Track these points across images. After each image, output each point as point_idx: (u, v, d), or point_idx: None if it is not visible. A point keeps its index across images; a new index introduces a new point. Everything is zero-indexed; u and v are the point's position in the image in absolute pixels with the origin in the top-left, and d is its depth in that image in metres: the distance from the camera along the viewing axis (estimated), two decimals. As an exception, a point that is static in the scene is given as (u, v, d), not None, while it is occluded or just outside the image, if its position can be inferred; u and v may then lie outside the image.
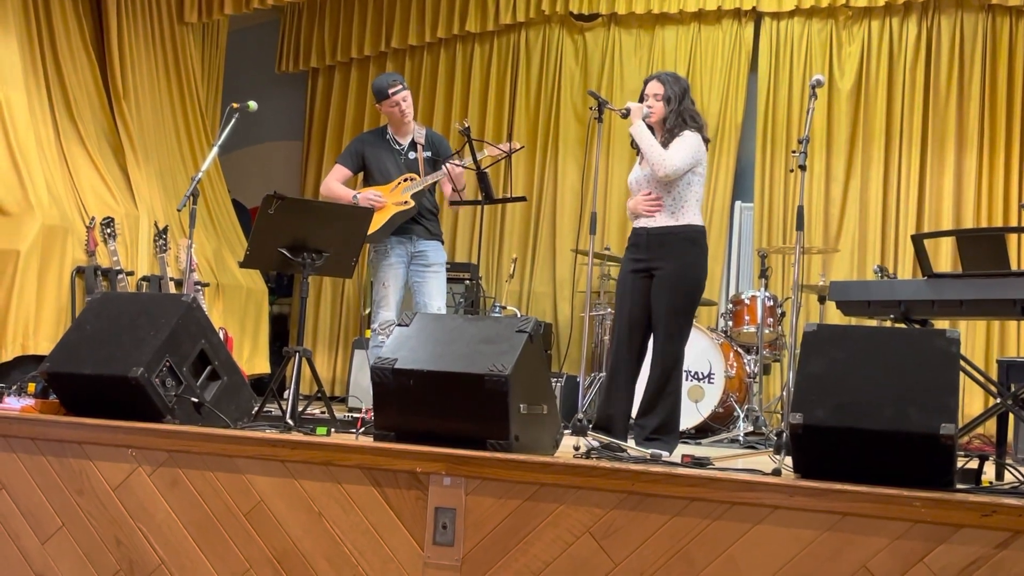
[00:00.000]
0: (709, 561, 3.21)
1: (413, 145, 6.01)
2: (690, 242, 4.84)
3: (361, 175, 6.13)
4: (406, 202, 5.82)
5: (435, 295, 5.91)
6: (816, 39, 8.14)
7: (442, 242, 6.08)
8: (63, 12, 7.26)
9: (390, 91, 5.91)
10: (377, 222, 5.75)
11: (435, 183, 5.93)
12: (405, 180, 5.86)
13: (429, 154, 5.98)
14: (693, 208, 4.88)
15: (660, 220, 4.86)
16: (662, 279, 4.81)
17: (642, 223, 4.91)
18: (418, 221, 5.90)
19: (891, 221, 7.86)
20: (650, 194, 4.88)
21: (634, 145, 5.05)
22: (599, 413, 4.87)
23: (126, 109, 7.54)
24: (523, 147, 6.06)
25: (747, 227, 8.31)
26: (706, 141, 4.97)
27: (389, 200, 5.83)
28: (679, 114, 4.91)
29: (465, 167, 5.73)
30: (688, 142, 4.85)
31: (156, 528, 3.80)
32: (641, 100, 5.01)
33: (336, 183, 5.98)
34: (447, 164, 5.74)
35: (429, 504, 3.50)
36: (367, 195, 5.83)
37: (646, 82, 5.05)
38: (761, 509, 3.17)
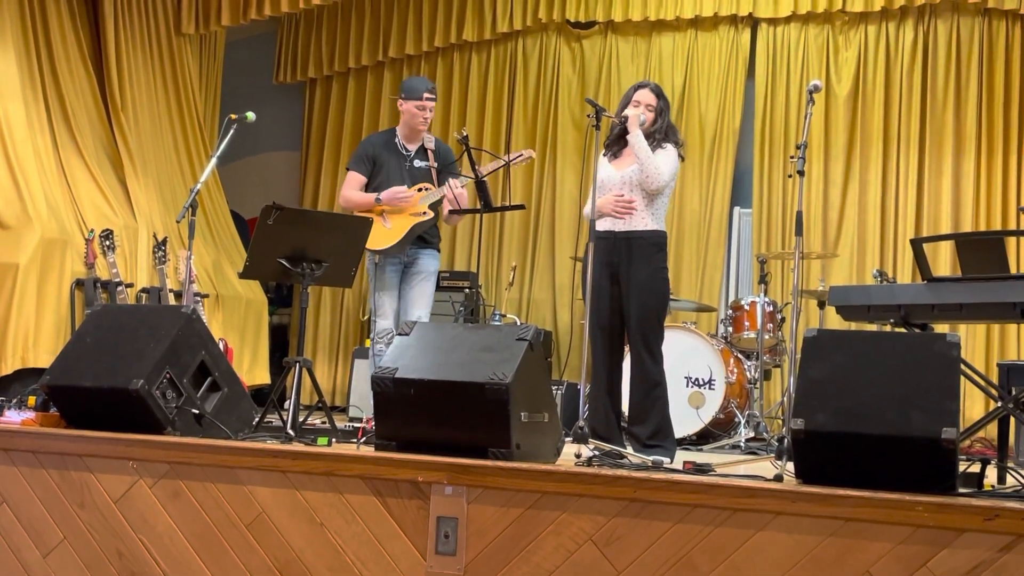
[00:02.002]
0: (712, 568, 3.20)
1: (422, 152, 5.98)
2: (657, 247, 4.96)
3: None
4: (424, 212, 5.80)
5: (417, 303, 5.87)
6: (812, 44, 8.15)
7: (438, 250, 6.06)
8: (61, 25, 7.27)
9: (424, 94, 5.87)
10: (395, 235, 5.74)
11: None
12: (420, 190, 5.84)
13: (437, 165, 5.95)
14: (662, 215, 5.02)
15: (630, 224, 4.94)
16: (634, 284, 4.88)
17: (607, 225, 4.95)
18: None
19: (890, 225, 7.86)
20: (622, 196, 4.92)
21: (608, 147, 5.11)
22: (592, 424, 4.87)
23: (124, 121, 7.54)
24: (532, 156, 6.03)
25: (746, 233, 8.31)
26: (681, 159, 5.11)
27: (406, 211, 5.80)
28: (664, 128, 5.05)
29: (467, 178, 5.72)
30: (671, 156, 5.01)
31: (158, 540, 3.79)
32: (625, 105, 5.07)
33: (353, 192, 5.93)
34: (448, 185, 5.71)
35: (431, 513, 3.50)
36: (391, 194, 5.78)
37: (635, 88, 5.11)
38: (763, 515, 3.16)
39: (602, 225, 4.96)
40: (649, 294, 4.88)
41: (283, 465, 3.69)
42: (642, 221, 4.93)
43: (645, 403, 4.85)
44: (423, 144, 5.98)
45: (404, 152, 5.96)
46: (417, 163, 5.95)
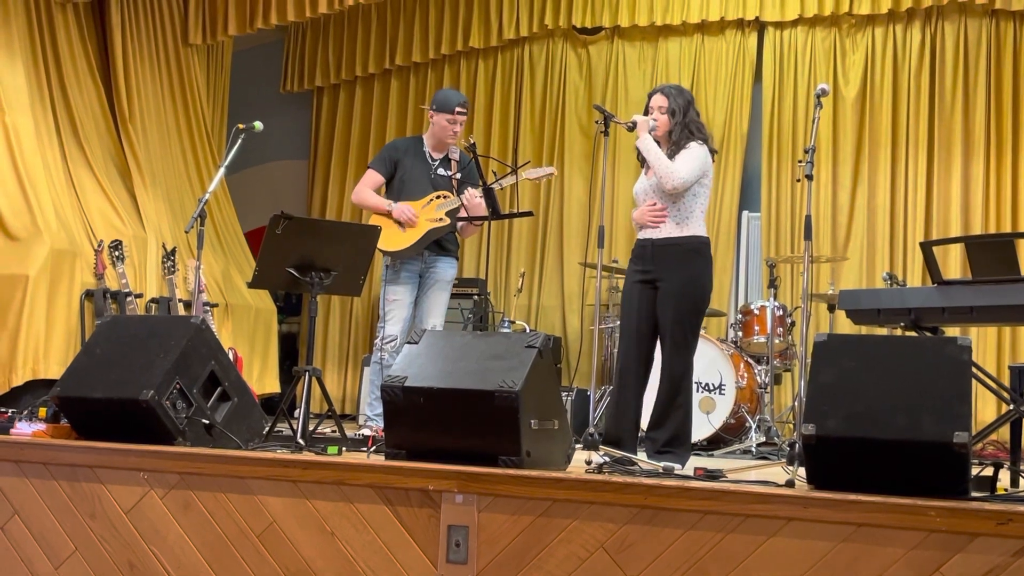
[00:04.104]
0: (724, 574, 3.19)
1: (446, 162, 6.01)
2: (695, 253, 4.86)
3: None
4: (441, 219, 5.82)
5: (432, 312, 5.91)
6: (820, 48, 8.14)
7: (456, 258, 6.09)
8: (68, 36, 7.29)
9: (456, 108, 5.91)
10: (411, 237, 5.78)
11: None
12: (438, 197, 5.86)
13: (459, 176, 5.98)
14: (698, 219, 4.89)
15: (665, 231, 4.87)
16: (667, 291, 4.82)
17: (646, 234, 4.92)
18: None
19: (899, 228, 7.84)
20: (655, 205, 4.89)
21: (640, 158, 5.06)
22: (608, 427, 4.86)
23: (132, 132, 7.56)
24: (553, 173, 6.06)
25: (755, 237, 8.29)
26: (713, 152, 4.98)
27: (422, 216, 5.83)
28: (684, 126, 4.93)
29: (501, 186, 5.75)
30: (695, 154, 4.86)
31: (169, 551, 3.80)
32: (645, 114, 5.04)
33: (370, 191, 5.98)
34: (466, 194, 5.73)
35: (442, 522, 3.50)
36: (403, 209, 5.81)
37: (650, 95, 5.07)
38: (775, 521, 3.15)
39: (641, 234, 4.95)
40: (682, 301, 4.81)
41: (293, 475, 3.69)
42: (675, 227, 4.85)
43: (668, 409, 4.81)
44: (448, 154, 6.01)
45: (430, 160, 6.00)
46: (441, 171, 5.98)
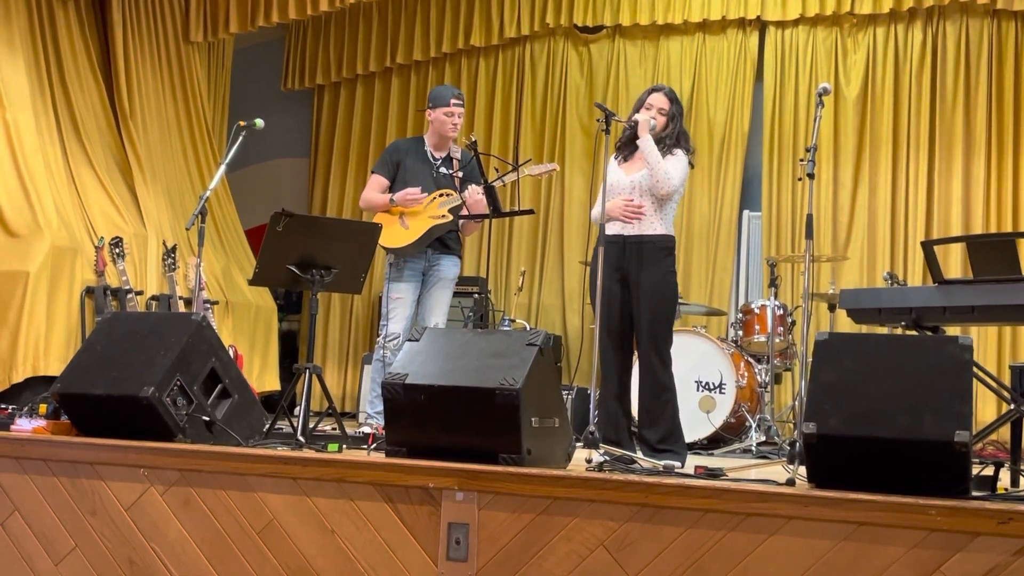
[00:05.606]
0: (724, 573, 3.19)
1: (448, 161, 6.01)
2: (667, 251, 4.96)
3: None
4: (443, 216, 5.83)
5: (434, 310, 5.91)
6: (821, 47, 8.14)
7: (460, 257, 6.09)
8: (70, 34, 7.29)
9: (452, 100, 5.92)
10: (413, 234, 5.78)
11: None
12: (441, 195, 5.87)
13: (462, 175, 5.98)
14: (671, 220, 5.01)
15: (639, 228, 4.93)
16: (643, 289, 4.88)
17: (617, 229, 4.95)
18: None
19: (900, 228, 7.84)
20: (631, 200, 4.91)
21: (619, 150, 5.09)
22: (604, 432, 4.85)
23: (133, 129, 7.56)
24: (555, 169, 6.09)
25: (755, 236, 8.29)
26: (691, 166, 5.09)
27: (425, 213, 5.83)
28: (676, 133, 5.04)
29: (503, 183, 5.76)
30: (682, 162, 4.99)
31: (169, 548, 3.79)
32: (639, 108, 5.06)
33: (374, 193, 5.99)
34: (468, 190, 5.73)
35: (442, 519, 3.49)
36: (404, 193, 5.82)
37: (649, 92, 5.10)
38: (776, 520, 3.15)
39: (611, 229, 4.95)
40: (659, 298, 4.88)
41: (294, 472, 3.69)
42: (651, 226, 4.92)
43: (655, 407, 4.84)
44: (449, 153, 6.02)
45: (432, 160, 6.00)
46: (443, 170, 5.98)
